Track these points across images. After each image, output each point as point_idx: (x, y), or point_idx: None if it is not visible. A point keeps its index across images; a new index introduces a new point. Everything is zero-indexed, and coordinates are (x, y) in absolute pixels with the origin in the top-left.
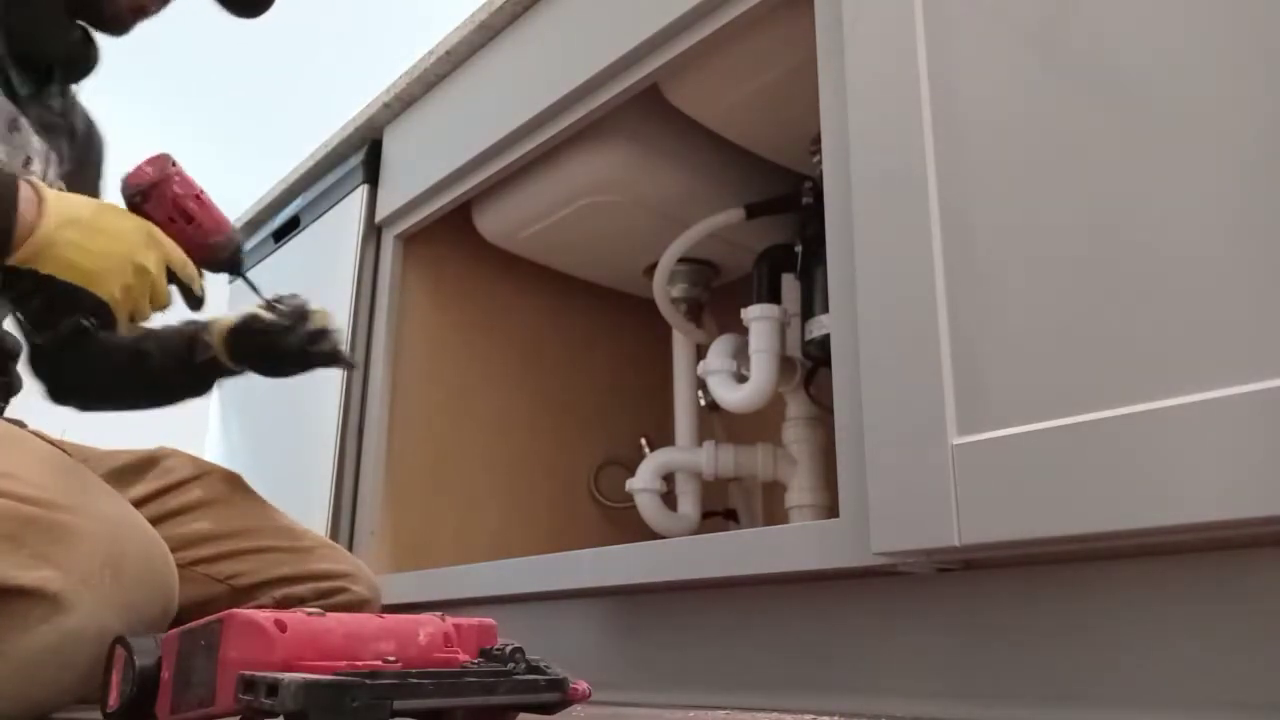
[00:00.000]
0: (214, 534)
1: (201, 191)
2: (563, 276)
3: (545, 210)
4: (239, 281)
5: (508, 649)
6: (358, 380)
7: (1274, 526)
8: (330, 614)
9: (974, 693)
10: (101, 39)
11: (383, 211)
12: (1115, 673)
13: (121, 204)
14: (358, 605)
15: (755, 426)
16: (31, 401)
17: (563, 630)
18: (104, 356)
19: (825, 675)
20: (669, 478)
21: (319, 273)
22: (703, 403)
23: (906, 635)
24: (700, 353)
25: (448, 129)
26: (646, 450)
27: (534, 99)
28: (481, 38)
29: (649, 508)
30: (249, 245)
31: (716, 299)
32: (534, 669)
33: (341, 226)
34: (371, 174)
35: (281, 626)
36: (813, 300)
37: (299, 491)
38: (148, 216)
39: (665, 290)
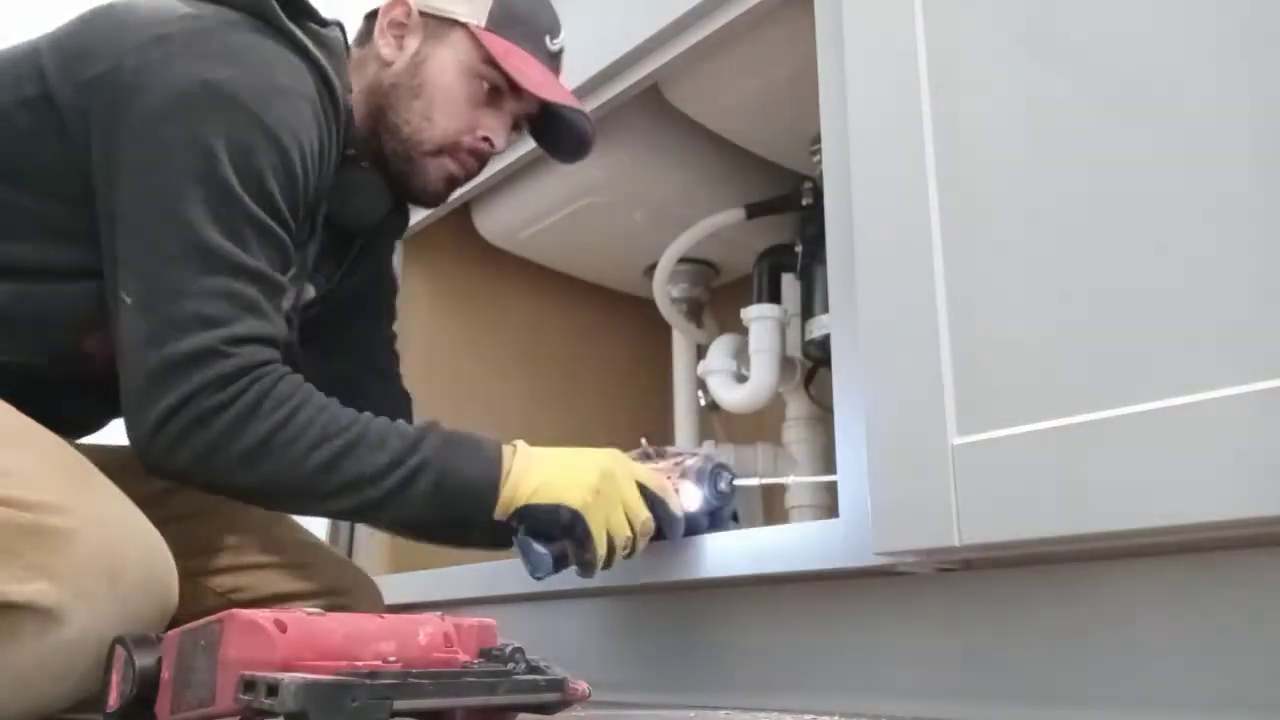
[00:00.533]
0: (215, 544)
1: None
2: (563, 276)
3: (545, 210)
4: None
5: (508, 649)
6: None
7: (1274, 526)
8: (330, 614)
9: (974, 693)
10: None
11: None
12: (1115, 673)
13: None
14: None
15: (755, 426)
16: None
17: (563, 630)
18: None
19: (825, 675)
20: None
21: None
22: (703, 403)
23: (906, 635)
24: (700, 353)
25: None
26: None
27: None
28: None
29: None
30: None
31: (716, 299)
32: (534, 669)
33: None
34: None
35: (281, 626)
36: (813, 300)
37: None
38: None
39: (665, 290)
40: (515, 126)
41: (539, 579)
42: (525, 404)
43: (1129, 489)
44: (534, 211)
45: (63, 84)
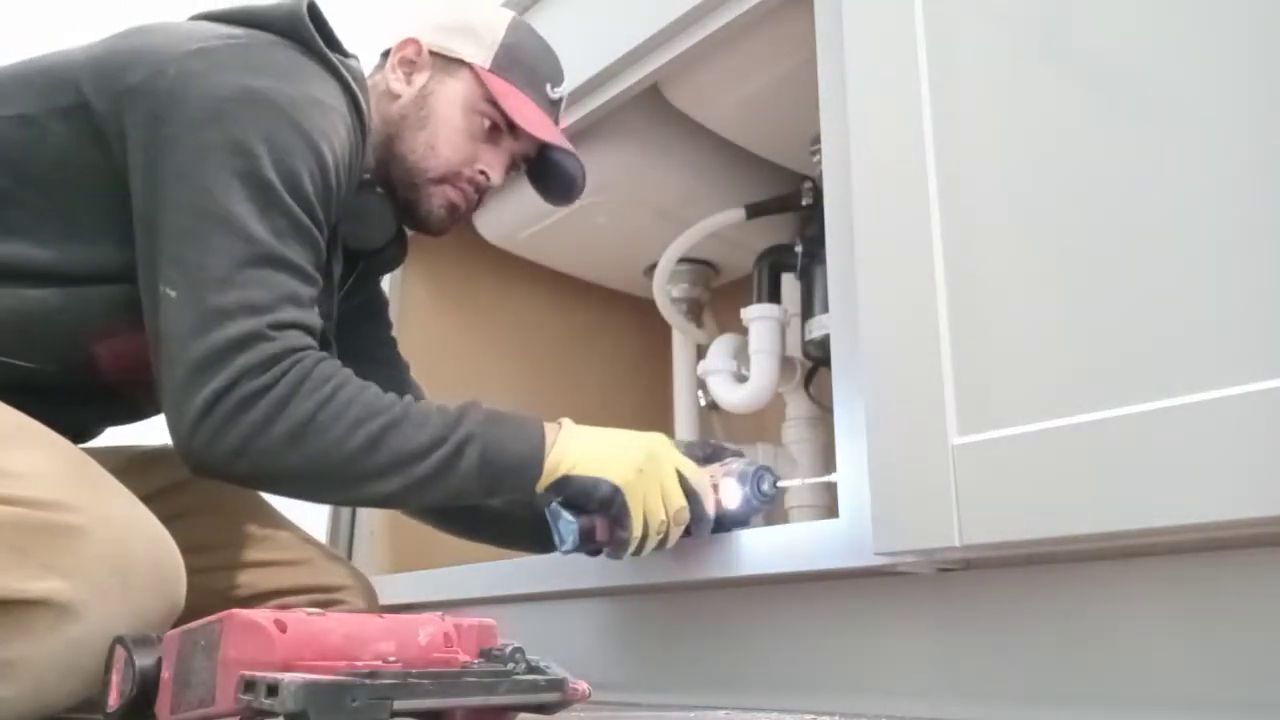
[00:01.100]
0: (213, 542)
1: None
2: (563, 276)
3: (545, 210)
4: None
5: (508, 649)
6: None
7: (1274, 526)
8: (330, 614)
9: (973, 693)
10: None
11: None
12: (1115, 672)
13: None
14: None
15: (755, 426)
16: None
17: (563, 630)
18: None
19: (825, 675)
20: None
21: None
22: (703, 403)
23: (907, 635)
24: (700, 353)
25: None
26: None
27: None
28: None
29: None
30: None
31: (716, 299)
32: (534, 669)
33: None
34: None
35: (281, 627)
36: (813, 300)
37: None
38: None
39: (665, 290)
40: (514, 165)
41: (564, 553)
42: (525, 404)
43: (1129, 489)
44: (534, 211)
45: (100, 93)
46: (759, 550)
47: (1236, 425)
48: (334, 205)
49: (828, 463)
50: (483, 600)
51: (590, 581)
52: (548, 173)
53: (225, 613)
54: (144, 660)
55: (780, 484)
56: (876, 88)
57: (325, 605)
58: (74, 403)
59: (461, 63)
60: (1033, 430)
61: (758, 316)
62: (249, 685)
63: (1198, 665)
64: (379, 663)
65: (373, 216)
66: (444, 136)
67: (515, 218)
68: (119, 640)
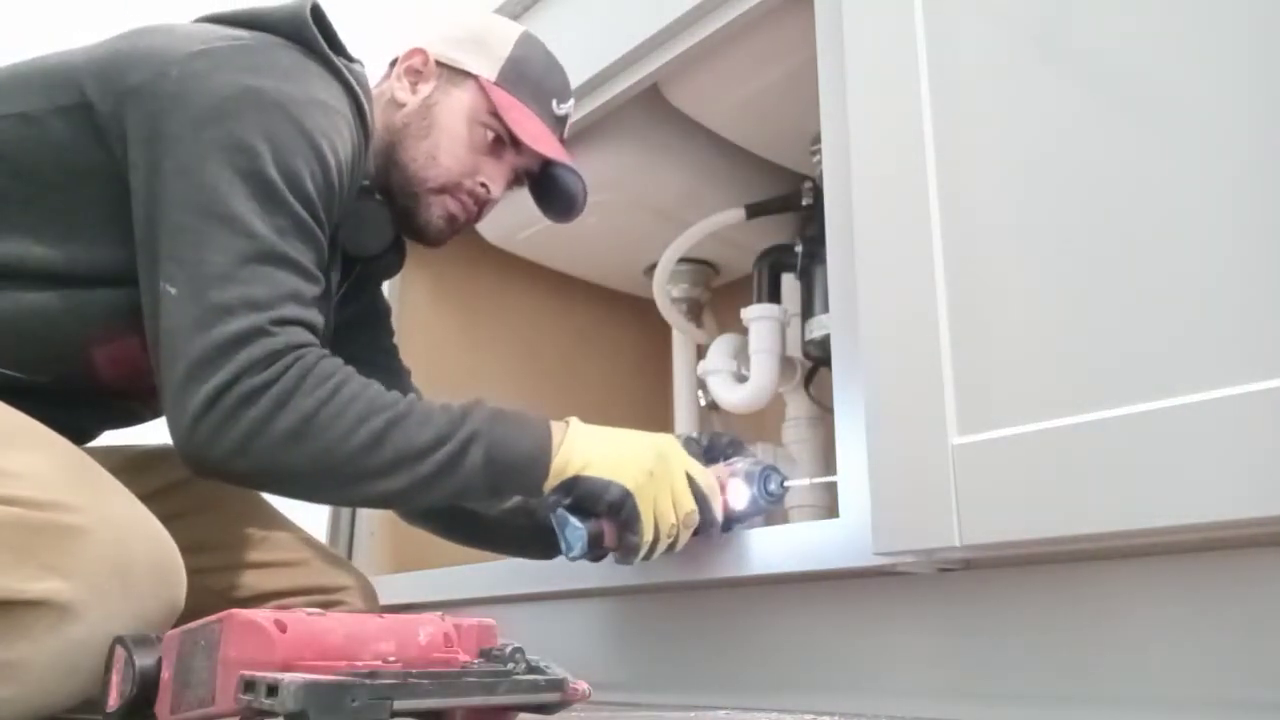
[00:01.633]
0: (213, 543)
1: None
2: (563, 276)
3: None
4: None
5: (508, 649)
6: None
7: (1274, 526)
8: (330, 614)
9: (974, 693)
10: None
11: None
12: (1115, 672)
13: None
14: None
15: (755, 426)
16: None
17: (563, 630)
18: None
19: (825, 675)
20: None
21: None
22: (703, 403)
23: (906, 635)
24: (700, 353)
25: None
26: None
27: None
28: None
29: None
30: None
31: (716, 299)
32: (534, 669)
33: None
34: None
35: (281, 627)
36: (813, 300)
37: None
38: None
39: (665, 290)
40: (516, 181)
41: (571, 559)
42: (525, 404)
43: (1129, 489)
44: (534, 212)
45: (102, 93)
46: (759, 550)
47: (1236, 425)
48: (336, 206)
49: (828, 463)
50: (483, 600)
51: (590, 581)
52: (550, 188)
53: (225, 613)
54: (144, 660)
55: (788, 483)
56: (876, 88)
57: (325, 606)
58: (72, 409)
59: (468, 74)
60: (1033, 430)
61: (758, 316)
62: (249, 685)
63: (1198, 665)
64: (379, 663)
65: (370, 222)
66: (445, 147)
67: (515, 218)
68: (119, 640)
